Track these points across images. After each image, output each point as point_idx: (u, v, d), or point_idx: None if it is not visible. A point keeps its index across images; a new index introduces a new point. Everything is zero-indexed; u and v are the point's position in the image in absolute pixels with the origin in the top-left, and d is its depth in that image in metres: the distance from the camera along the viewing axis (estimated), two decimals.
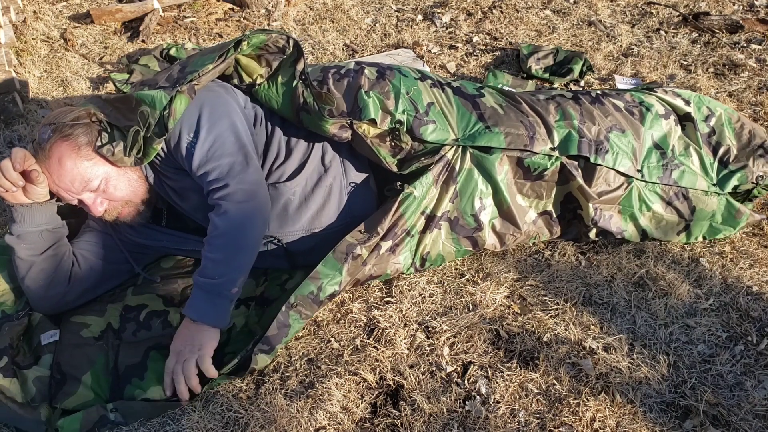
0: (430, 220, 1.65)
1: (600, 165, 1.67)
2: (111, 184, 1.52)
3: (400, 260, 1.64)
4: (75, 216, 1.78)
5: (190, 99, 1.48)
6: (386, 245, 1.59)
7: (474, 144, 1.65)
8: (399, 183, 1.61)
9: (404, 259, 1.64)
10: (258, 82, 1.61)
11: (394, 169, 1.63)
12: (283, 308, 1.48)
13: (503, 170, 1.66)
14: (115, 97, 1.53)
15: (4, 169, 1.46)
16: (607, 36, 2.74)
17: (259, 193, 1.51)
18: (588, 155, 1.67)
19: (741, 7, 2.87)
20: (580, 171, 1.67)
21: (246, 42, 1.54)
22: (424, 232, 1.65)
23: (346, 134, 1.60)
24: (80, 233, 1.72)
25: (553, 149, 1.67)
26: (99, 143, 1.48)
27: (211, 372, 1.42)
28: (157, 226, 1.71)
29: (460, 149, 1.64)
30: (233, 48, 1.53)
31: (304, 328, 1.59)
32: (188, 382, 1.41)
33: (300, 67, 1.57)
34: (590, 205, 1.67)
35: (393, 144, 1.65)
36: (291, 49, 1.57)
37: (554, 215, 1.74)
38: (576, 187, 1.68)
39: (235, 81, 1.63)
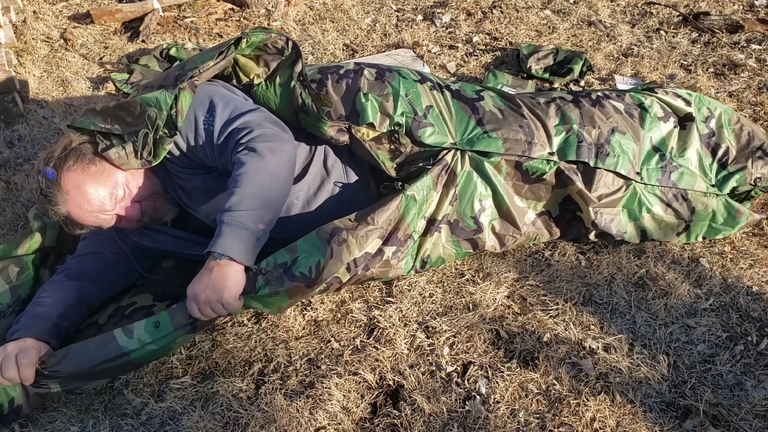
0: (431, 223, 1.64)
1: (600, 168, 1.67)
2: (132, 184, 1.54)
3: (401, 264, 1.63)
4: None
5: (192, 94, 1.49)
6: (390, 251, 1.56)
7: (472, 148, 1.64)
8: (399, 183, 1.59)
9: (405, 263, 1.64)
10: (255, 82, 1.62)
11: (393, 173, 1.63)
12: (254, 268, 1.39)
13: (501, 173, 1.66)
14: (114, 104, 1.50)
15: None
16: (607, 36, 2.74)
17: (286, 140, 1.47)
18: (587, 160, 1.66)
19: (741, 7, 2.87)
20: (579, 175, 1.67)
21: (245, 40, 1.54)
22: (424, 235, 1.64)
23: (344, 138, 1.60)
24: (83, 247, 1.69)
25: (551, 154, 1.67)
26: (103, 147, 1.47)
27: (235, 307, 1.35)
28: (162, 226, 1.71)
29: (458, 152, 1.64)
30: (233, 46, 1.54)
31: (303, 328, 1.59)
32: (221, 313, 1.36)
33: (298, 68, 1.57)
34: (590, 208, 1.67)
35: (392, 147, 1.64)
36: (289, 50, 1.57)
37: (553, 216, 1.74)
38: (575, 191, 1.67)
39: (234, 82, 1.64)
